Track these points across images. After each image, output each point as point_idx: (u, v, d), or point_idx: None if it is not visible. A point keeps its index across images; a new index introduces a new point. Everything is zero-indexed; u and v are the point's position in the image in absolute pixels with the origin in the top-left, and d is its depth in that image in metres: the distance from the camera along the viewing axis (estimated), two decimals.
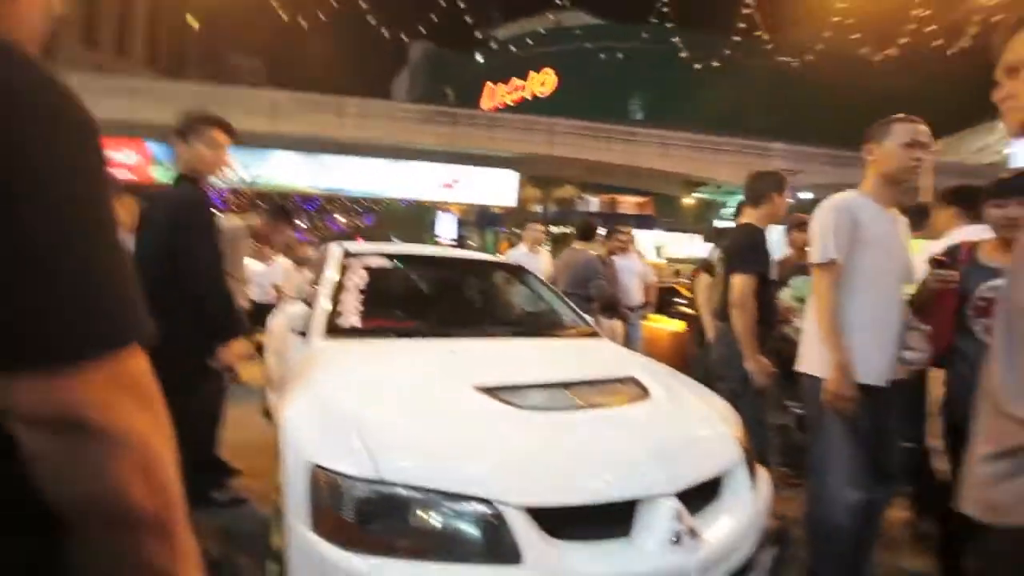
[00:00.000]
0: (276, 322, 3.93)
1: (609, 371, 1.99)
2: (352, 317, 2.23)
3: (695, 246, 19.37)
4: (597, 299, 3.73)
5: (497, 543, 1.20)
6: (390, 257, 2.71)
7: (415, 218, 29.85)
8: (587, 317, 2.92)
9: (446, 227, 26.38)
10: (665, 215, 25.51)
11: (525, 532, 1.21)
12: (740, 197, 3.00)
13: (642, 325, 4.62)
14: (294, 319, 2.28)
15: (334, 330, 2.12)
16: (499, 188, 19.98)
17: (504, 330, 2.45)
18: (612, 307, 4.03)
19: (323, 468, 1.34)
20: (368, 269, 2.56)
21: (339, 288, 2.39)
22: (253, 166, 16.86)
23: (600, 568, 1.21)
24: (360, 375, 1.73)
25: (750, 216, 2.61)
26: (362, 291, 2.39)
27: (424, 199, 20.53)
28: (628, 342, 4.35)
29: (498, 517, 1.22)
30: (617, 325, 4.21)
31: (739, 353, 2.37)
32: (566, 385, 1.76)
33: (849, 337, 1.82)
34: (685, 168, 18.83)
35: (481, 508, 1.24)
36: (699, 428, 1.68)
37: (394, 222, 32.14)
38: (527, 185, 22.86)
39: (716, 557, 1.32)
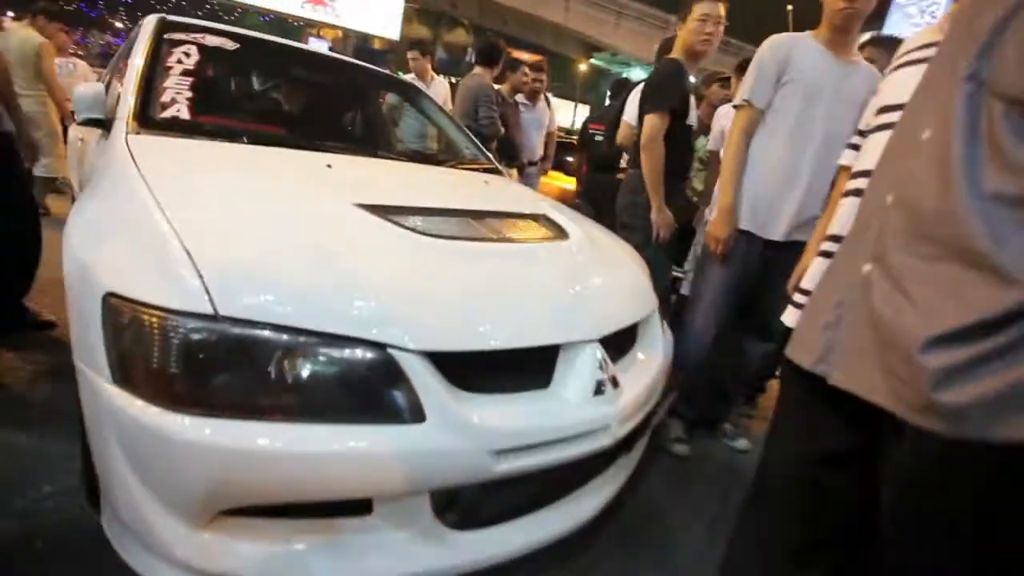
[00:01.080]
0: (72, 129, 2.97)
1: (519, 206, 1.69)
2: (179, 108, 1.60)
3: (579, 119, 19.12)
4: (489, 136, 3.28)
5: (391, 398, 0.92)
6: (238, 40, 1.99)
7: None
8: (488, 153, 2.54)
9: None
10: (557, 79, 24.48)
11: (426, 384, 0.94)
12: (634, 69, 2.67)
13: (540, 181, 4.33)
14: (88, 103, 1.59)
15: (149, 123, 1.50)
16: (380, 15, 17.25)
17: (393, 154, 1.97)
18: (508, 152, 3.63)
19: (125, 299, 0.91)
20: (204, 51, 1.86)
21: (157, 69, 1.69)
22: None
23: (516, 423, 0.99)
24: (188, 180, 1.22)
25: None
26: (194, 78, 1.73)
27: (289, 13, 17.03)
28: None
29: (392, 365, 0.93)
30: (512, 174, 3.85)
31: (645, 203, 2.20)
32: (472, 214, 1.44)
33: (752, 182, 1.84)
34: (586, 28, 17.73)
35: (370, 354, 0.93)
36: (619, 272, 1.49)
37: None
38: (414, 19, 20.08)
39: (634, 407, 1.20)
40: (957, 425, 0.59)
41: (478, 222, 1.40)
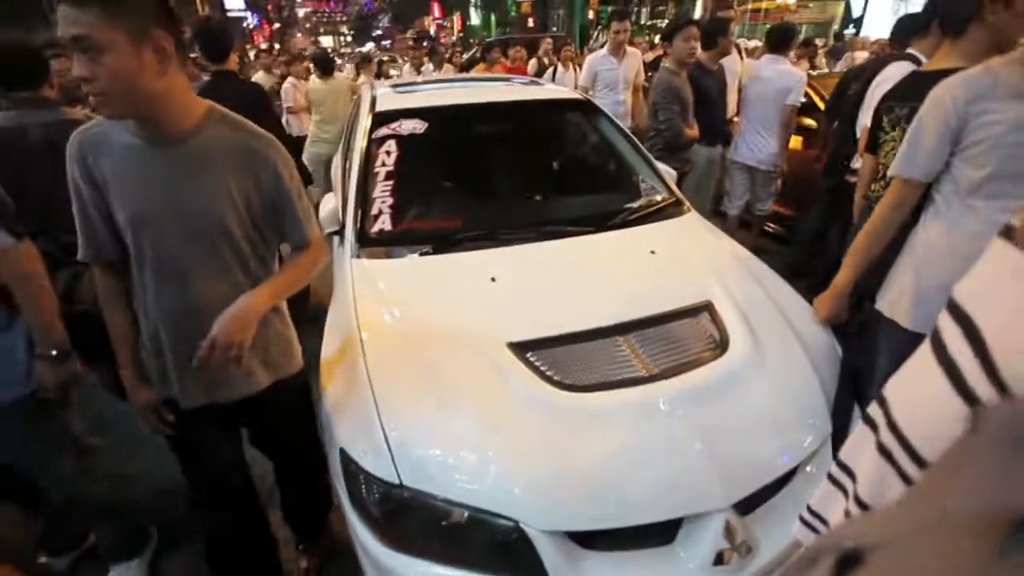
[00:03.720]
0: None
1: (683, 291, 1.64)
2: (384, 220, 1.96)
3: None
4: (667, 142, 3.03)
5: (520, 560, 1.14)
6: (423, 116, 2.25)
7: None
8: (667, 175, 2.39)
9: None
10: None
11: (552, 551, 1.13)
12: None
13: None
14: (330, 219, 2.06)
15: (364, 240, 1.89)
16: None
17: (561, 219, 2.05)
18: (712, 129, 3.26)
19: (351, 458, 1.29)
20: (400, 144, 2.17)
21: (369, 178, 2.07)
22: None
23: None
24: (383, 332, 1.55)
25: None
26: (394, 180, 2.06)
27: None
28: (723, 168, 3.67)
29: (523, 537, 1.14)
30: (717, 153, 3.47)
31: None
32: (624, 328, 1.49)
33: (929, 270, 1.48)
34: None
35: (505, 524, 1.15)
36: (781, 403, 1.37)
37: None
38: None
39: (770, 567, 1.19)
40: None
41: (626, 342, 1.45)
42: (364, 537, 1.24)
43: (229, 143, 1.16)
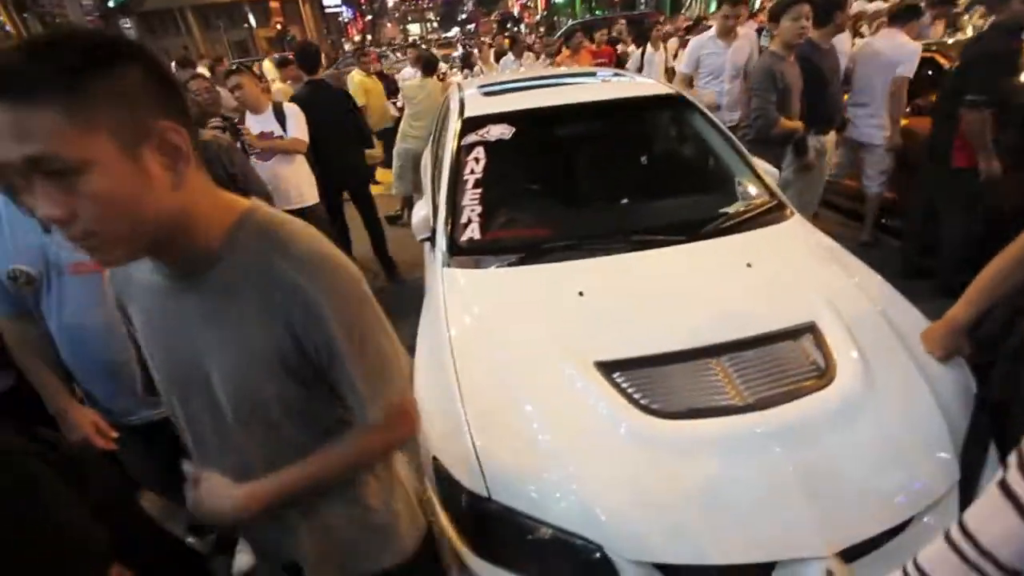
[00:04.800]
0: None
1: (782, 311, 1.54)
2: (471, 229, 2.01)
3: None
4: (757, 134, 2.81)
5: None
6: (510, 120, 2.25)
7: None
8: (768, 175, 2.24)
9: None
10: None
11: None
12: None
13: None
14: (422, 227, 2.15)
15: (454, 250, 1.95)
16: None
17: (652, 227, 1.98)
18: (820, 116, 3.00)
19: (441, 464, 1.36)
20: (488, 150, 2.20)
21: (459, 185, 2.12)
22: None
23: None
24: (472, 345, 1.59)
25: None
26: (483, 188, 2.10)
27: None
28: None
29: (607, 562, 1.15)
30: (828, 141, 3.18)
31: None
32: (717, 350, 1.43)
33: None
34: None
35: (589, 548, 1.16)
36: (895, 442, 1.25)
37: None
38: None
39: None
40: None
41: (719, 365, 1.39)
42: (455, 542, 1.31)
43: (255, 268, 0.75)
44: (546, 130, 2.42)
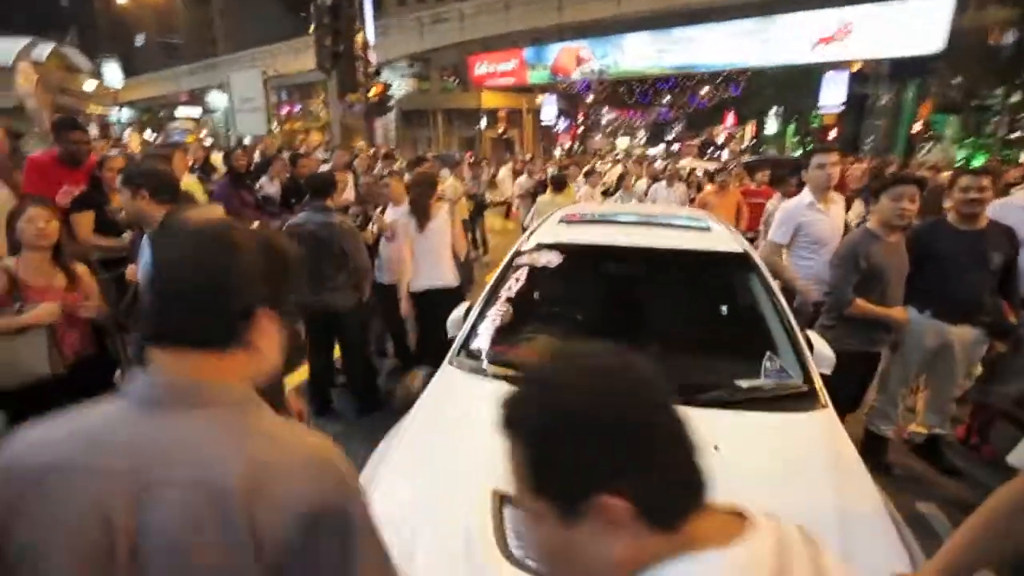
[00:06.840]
0: None
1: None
2: (483, 338, 2.20)
3: None
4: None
5: None
6: (568, 256, 2.43)
7: (794, 81, 24.63)
8: (814, 358, 2.02)
9: (833, 91, 20.86)
10: None
11: None
12: None
13: None
14: (454, 321, 2.41)
15: (463, 349, 2.16)
16: (916, 26, 14.15)
17: (698, 391, 1.81)
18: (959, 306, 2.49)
19: None
20: (531, 269, 2.42)
21: (495, 292, 2.36)
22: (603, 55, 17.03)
23: None
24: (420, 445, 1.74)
25: None
26: (511, 301, 2.31)
27: (797, 62, 16.58)
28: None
29: None
30: (966, 335, 2.64)
31: None
32: None
33: None
34: None
35: None
36: None
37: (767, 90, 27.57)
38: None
39: None
40: None
41: None
42: None
43: None
44: (590, 265, 2.57)
